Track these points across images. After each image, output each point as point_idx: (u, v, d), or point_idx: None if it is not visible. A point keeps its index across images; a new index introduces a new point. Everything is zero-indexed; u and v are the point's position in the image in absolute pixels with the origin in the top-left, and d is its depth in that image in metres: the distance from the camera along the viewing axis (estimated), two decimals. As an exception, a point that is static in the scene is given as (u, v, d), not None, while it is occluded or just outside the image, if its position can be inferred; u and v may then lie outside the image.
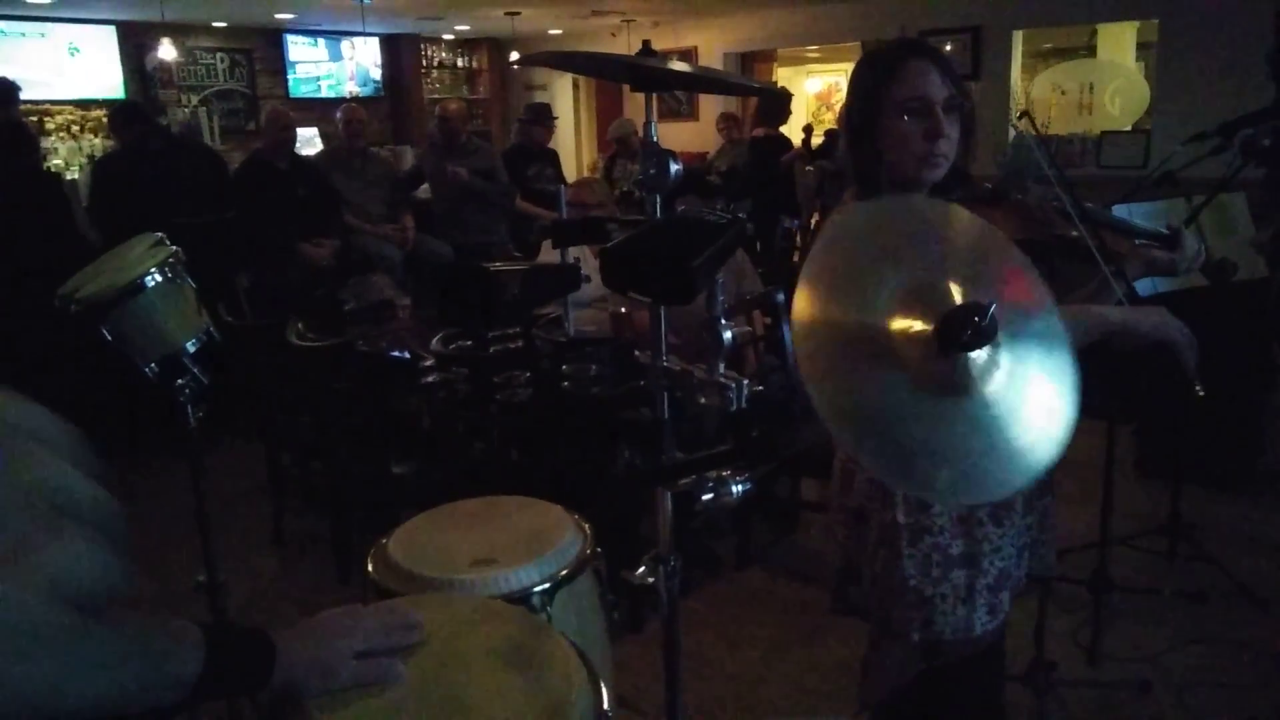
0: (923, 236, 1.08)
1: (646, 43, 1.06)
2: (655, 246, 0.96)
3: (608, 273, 0.96)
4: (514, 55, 11.91)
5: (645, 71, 1.06)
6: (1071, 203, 1.47)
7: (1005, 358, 0.93)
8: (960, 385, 0.90)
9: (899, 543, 1.48)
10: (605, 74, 1.22)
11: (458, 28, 11.31)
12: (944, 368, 0.89)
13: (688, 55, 10.41)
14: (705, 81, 1.26)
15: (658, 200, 1.12)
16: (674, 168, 1.10)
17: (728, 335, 1.06)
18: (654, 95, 1.13)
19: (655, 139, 1.12)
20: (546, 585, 1.62)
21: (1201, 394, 1.45)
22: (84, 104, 8.98)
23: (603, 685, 1.20)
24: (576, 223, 1.27)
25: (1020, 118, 1.61)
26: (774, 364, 3.80)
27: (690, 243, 0.93)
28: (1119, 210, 2.34)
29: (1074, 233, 1.49)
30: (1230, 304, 3.42)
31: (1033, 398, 0.96)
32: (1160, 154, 6.77)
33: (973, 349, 0.88)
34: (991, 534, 1.50)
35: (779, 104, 7.08)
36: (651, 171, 1.09)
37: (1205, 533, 3.44)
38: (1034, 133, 1.57)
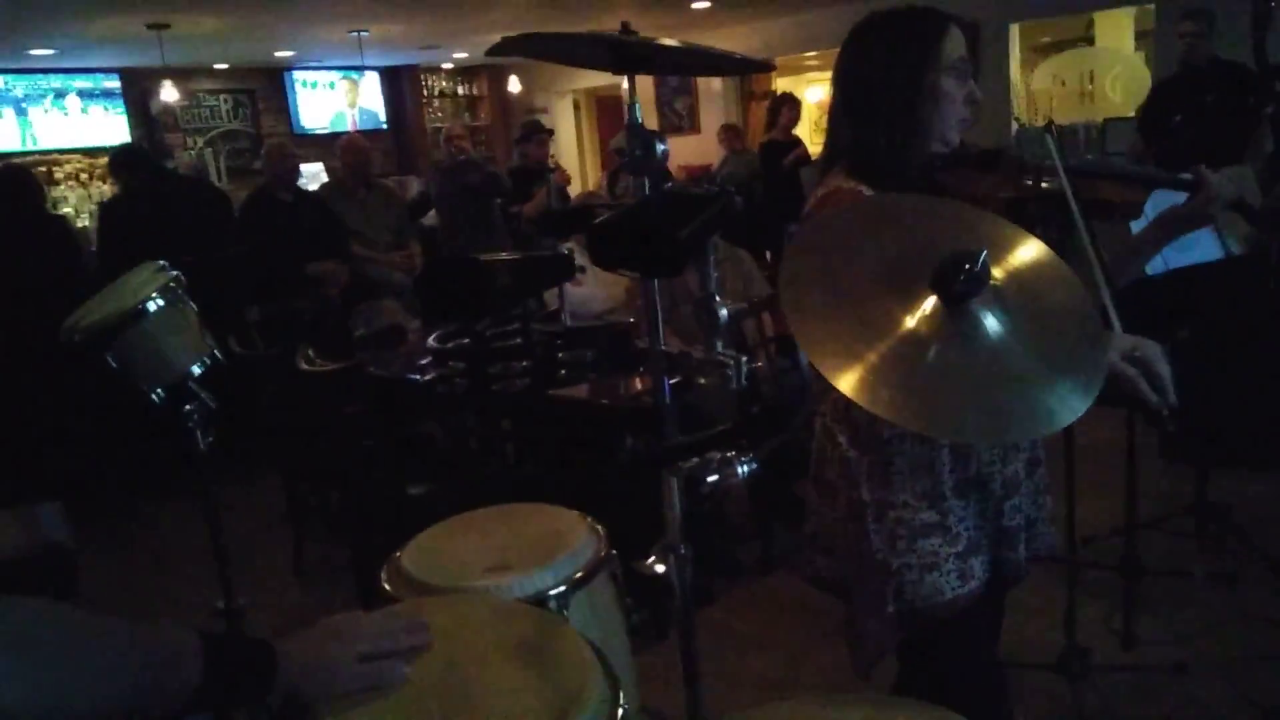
0: (906, 220, 1.08)
1: (625, 23, 1.04)
2: (642, 220, 0.95)
3: (596, 249, 0.94)
4: (514, 82, 12.00)
5: (627, 49, 1.04)
6: (1059, 155, 1.42)
7: (1021, 302, 0.92)
8: (972, 331, 0.89)
9: (865, 518, 1.51)
10: (586, 59, 1.21)
11: (456, 56, 11.39)
12: (952, 317, 0.88)
13: (686, 68, 10.45)
14: (690, 58, 1.24)
15: (645, 182, 1.10)
16: (660, 148, 1.08)
17: (723, 312, 1.04)
18: (653, 97, 1.11)
19: (640, 121, 1.11)
20: (562, 588, 1.60)
21: (1170, 427, 1.29)
22: (91, 152, 9.09)
23: (621, 682, 1.18)
24: (568, 211, 1.26)
25: (1046, 131, 1.54)
26: (786, 365, 3.78)
27: (676, 215, 0.91)
28: None
29: (1061, 184, 1.44)
30: (1248, 278, 3.37)
31: (1061, 341, 0.96)
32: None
33: (970, 296, 0.87)
34: (955, 506, 1.51)
35: (787, 107, 7.17)
36: (637, 153, 1.08)
37: (1233, 512, 3.38)
38: (1054, 141, 1.49)
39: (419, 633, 1.12)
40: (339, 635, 1.06)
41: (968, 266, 0.85)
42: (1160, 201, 1.66)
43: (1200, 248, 2.85)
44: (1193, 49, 4.76)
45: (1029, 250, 1.02)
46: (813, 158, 7.10)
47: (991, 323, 0.90)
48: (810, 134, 10.32)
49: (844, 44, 1.57)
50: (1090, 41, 9.27)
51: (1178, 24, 4.94)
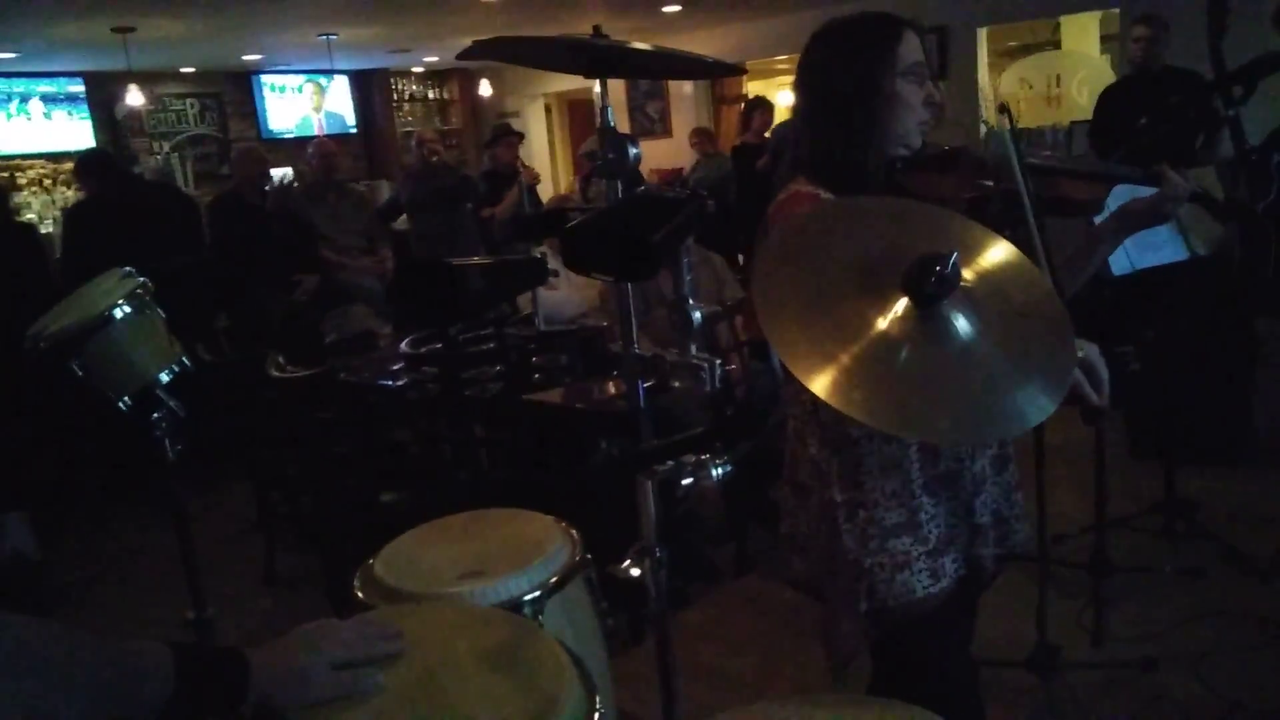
0: (877, 222, 1.09)
1: (597, 27, 1.04)
2: (615, 224, 0.94)
3: (570, 253, 0.94)
4: (485, 86, 11.96)
5: (599, 53, 1.04)
6: (1013, 145, 1.43)
7: (991, 303, 0.93)
8: (943, 332, 0.90)
9: (837, 519, 1.53)
10: (558, 63, 1.21)
11: (426, 59, 11.34)
12: (923, 318, 0.89)
13: (658, 72, 10.47)
14: (662, 61, 1.24)
15: (618, 186, 1.10)
16: (632, 151, 1.09)
17: (697, 316, 1.04)
18: (624, 100, 1.11)
19: (612, 124, 1.11)
20: (536, 594, 1.59)
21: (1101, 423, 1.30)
22: (55, 157, 8.95)
23: (597, 687, 1.17)
24: (540, 214, 1.25)
25: (1001, 112, 1.57)
26: (759, 368, 3.79)
27: (649, 219, 0.91)
28: None
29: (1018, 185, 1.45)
30: (1211, 279, 3.43)
31: (1030, 341, 0.97)
32: (1130, 140, 6.81)
33: (941, 297, 0.88)
34: (926, 504, 1.53)
35: (760, 110, 7.19)
36: (610, 156, 1.08)
37: (1201, 508, 3.42)
38: (1008, 125, 1.51)
39: (393, 640, 1.12)
40: (312, 644, 1.05)
41: (939, 268, 0.85)
42: (1122, 199, 1.68)
43: (1166, 249, 2.89)
44: (1147, 54, 4.81)
45: (998, 251, 1.03)
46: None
47: (962, 324, 0.91)
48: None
49: (804, 50, 1.59)
50: (1056, 45, 9.37)
51: (1130, 29, 4.97)
